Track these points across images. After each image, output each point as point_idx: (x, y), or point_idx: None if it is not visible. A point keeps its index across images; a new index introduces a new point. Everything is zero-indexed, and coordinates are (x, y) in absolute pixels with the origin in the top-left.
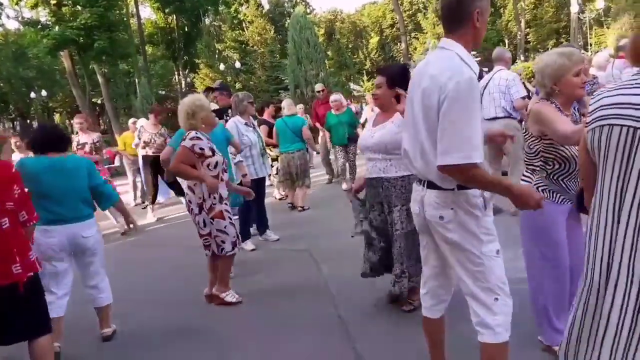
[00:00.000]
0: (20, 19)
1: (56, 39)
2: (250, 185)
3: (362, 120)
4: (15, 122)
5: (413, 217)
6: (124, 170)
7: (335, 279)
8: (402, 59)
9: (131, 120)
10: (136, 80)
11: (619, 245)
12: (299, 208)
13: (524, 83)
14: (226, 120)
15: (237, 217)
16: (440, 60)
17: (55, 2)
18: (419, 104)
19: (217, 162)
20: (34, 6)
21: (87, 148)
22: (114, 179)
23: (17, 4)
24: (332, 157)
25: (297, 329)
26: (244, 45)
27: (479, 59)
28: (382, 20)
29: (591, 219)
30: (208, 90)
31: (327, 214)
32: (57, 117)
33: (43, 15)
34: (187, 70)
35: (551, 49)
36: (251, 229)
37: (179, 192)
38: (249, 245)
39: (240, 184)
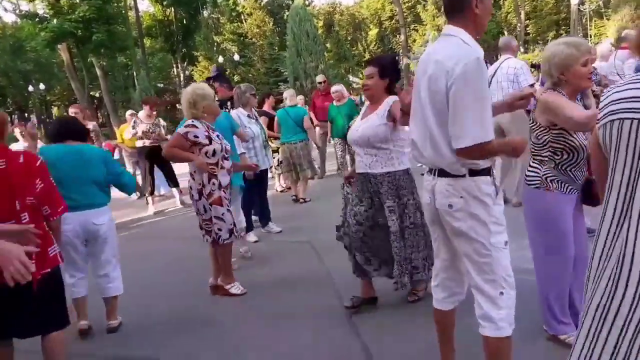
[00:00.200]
0: (17, 11)
1: (54, 31)
2: (253, 177)
3: (362, 113)
4: (13, 116)
5: (424, 207)
6: (123, 162)
7: (337, 271)
8: (401, 51)
9: (129, 112)
10: (134, 73)
11: (630, 239)
12: (301, 200)
13: None
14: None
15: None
16: (445, 47)
17: None
18: (425, 92)
19: (214, 150)
20: None
21: None
22: None
23: None
24: (331, 149)
25: (301, 320)
26: (242, 38)
27: None
28: (381, 12)
29: (603, 213)
30: (207, 80)
31: (328, 206)
32: (55, 111)
33: (41, 8)
34: (185, 63)
35: (551, 40)
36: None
37: (174, 182)
38: (251, 237)
39: (243, 176)
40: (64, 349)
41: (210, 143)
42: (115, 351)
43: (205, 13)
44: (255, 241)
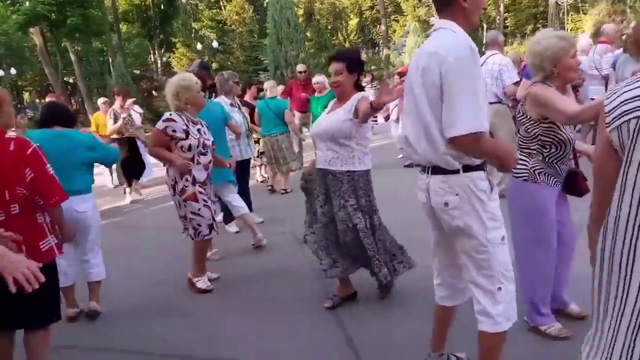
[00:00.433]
0: None
1: (27, 14)
2: (235, 166)
3: (328, 108)
4: None
5: (421, 206)
6: None
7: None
8: (381, 41)
9: (101, 101)
10: (110, 59)
11: None
12: (282, 191)
13: None
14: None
15: (217, 199)
16: (437, 39)
17: None
18: (419, 86)
19: (190, 145)
20: None
21: None
22: None
23: None
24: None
25: (284, 311)
26: (221, 25)
27: None
28: (361, 2)
29: (612, 213)
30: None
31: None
32: (26, 96)
33: None
34: (163, 50)
35: (529, 34)
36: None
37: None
38: (233, 227)
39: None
40: (48, 344)
41: (187, 137)
42: (95, 341)
43: None
44: (237, 232)
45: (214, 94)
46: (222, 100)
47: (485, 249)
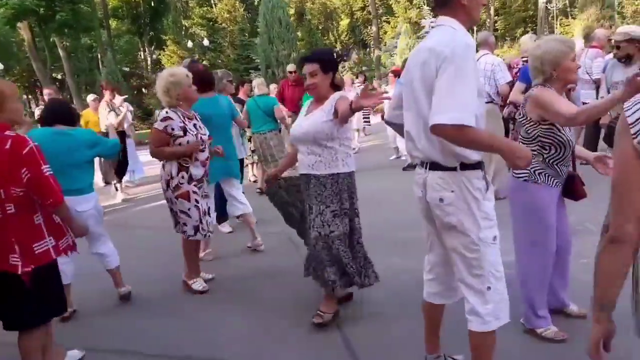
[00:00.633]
0: None
1: (15, 8)
2: None
3: (305, 110)
4: None
5: (416, 201)
6: None
7: None
8: (372, 42)
9: (91, 98)
10: (99, 56)
11: None
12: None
13: None
14: None
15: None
16: (437, 35)
17: None
18: (419, 80)
19: (188, 142)
20: None
21: None
22: None
23: None
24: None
25: (280, 312)
26: (212, 23)
27: None
28: (352, 2)
29: None
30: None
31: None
32: None
33: None
34: (153, 47)
35: (519, 37)
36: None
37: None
38: (226, 227)
39: None
40: (38, 346)
41: (185, 134)
42: (88, 342)
43: None
44: (230, 232)
45: None
46: None
47: (476, 247)
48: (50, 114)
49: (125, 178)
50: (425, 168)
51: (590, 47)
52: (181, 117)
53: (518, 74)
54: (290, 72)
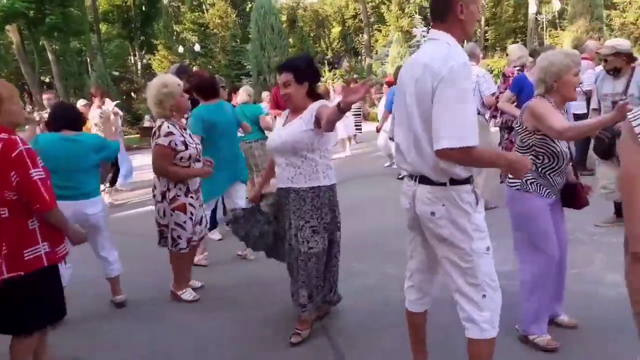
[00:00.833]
0: None
1: (4, 11)
2: None
3: (283, 119)
4: None
5: (404, 211)
6: None
7: None
8: (363, 50)
9: (82, 103)
10: (88, 59)
11: None
12: None
13: None
14: None
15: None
16: (432, 50)
17: None
18: (412, 95)
19: (190, 155)
20: None
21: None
22: None
23: None
24: None
25: (269, 320)
26: (203, 28)
27: None
28: (344, 10)
29: None
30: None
31: None
32: None
33: None
34: (143, 51)
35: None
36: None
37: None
38: (215, 234)
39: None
40: (29, 353)
41: (187, 148)
42: (77, 349)
43: (165, 0)
44: (220, 239)
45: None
46: None
47: (470, 258)
48: (57, 119)
49: (120, 182)
50: (415, 181)
51: (581, 59)
52: (179, 129)
53: (509, 85)
54: None
